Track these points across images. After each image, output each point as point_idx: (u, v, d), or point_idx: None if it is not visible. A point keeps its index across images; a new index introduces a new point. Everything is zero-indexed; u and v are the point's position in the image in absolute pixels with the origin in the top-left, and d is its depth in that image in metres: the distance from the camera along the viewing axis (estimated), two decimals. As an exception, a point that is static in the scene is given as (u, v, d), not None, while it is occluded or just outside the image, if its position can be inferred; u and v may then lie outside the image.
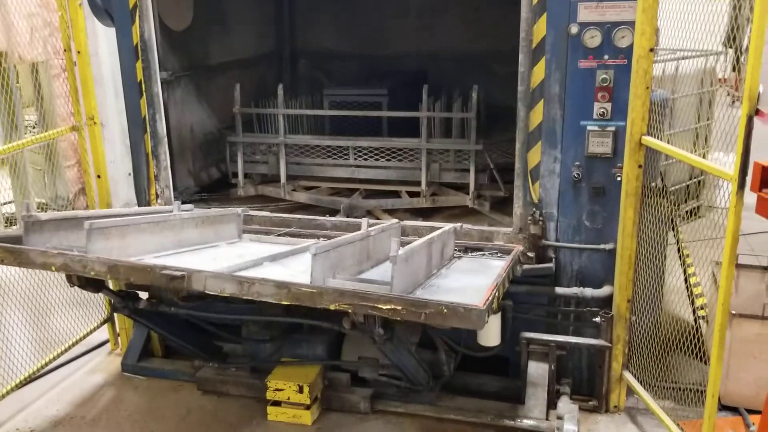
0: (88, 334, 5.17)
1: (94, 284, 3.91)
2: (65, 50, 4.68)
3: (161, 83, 4.75)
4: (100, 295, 5.12)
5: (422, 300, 3.02)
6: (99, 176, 4.85)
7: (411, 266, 3.37)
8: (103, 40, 8.28)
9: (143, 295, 4.31)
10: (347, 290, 3.09)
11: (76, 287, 3.88)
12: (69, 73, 4.73)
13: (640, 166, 3.81)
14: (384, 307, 2.95)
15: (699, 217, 7.38)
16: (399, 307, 2.94)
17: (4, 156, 5.02)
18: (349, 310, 3.08)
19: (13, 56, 7.23)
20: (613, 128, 3.92)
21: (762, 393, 3.64)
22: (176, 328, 4.53)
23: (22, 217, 3.66)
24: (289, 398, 4.25)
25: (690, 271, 5.34)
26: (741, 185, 2.97)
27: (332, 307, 3.02)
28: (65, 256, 3.37)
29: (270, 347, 4.54)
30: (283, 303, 3.12)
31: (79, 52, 4.60)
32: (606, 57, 3.83)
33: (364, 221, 4.07)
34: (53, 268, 3.37)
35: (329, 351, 4.50)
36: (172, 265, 3.33)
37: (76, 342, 5.07)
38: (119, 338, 5.26)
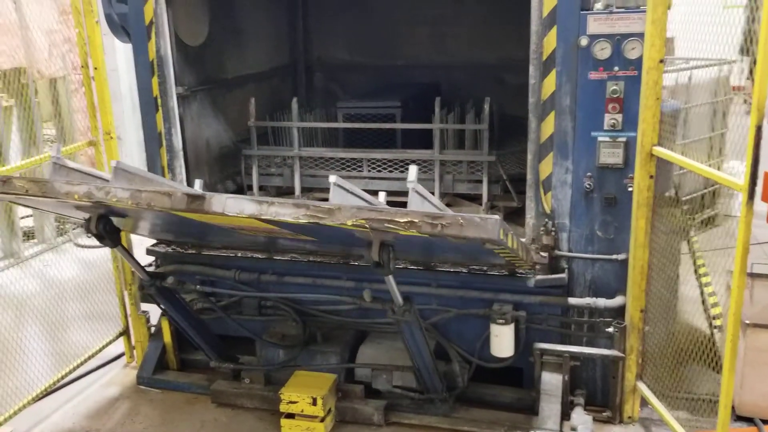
0: (103, 348, 5.22)
1: (111, 235, 3.80)
2: (82, 66, 4.76)
3: (177, 98, 4.83)
4: (116, 308, 5.24)
5: (438, 212, 2.93)
6: (116, 190, 4.91)
7: (426, 207, 3.39)
8: (121, 56, 8.45)
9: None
10: (364, 206, 3.00)
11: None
12: (86, 89, 4.82)
13: (651, 177, 3.82)
14: (401, 220, 2.84)
15: (715, 225, 7.33)
16: (416, 220, 2.83)
17: (23, 170, 5.09)
18: (367, 226, 2.90)
19: (33, 72, 7.36)
20: (624, 139, 3.92)
21: (778, 404, 3.63)
22: (194, 323, 4.58)
23: (51, 158, 3.74)
24: (303, 411, 4.27)
25: (705, 280, 5.32)
26: (751, 195, 2.97)
27: (349, 223, 2.89)
28: (89, 184, 3.32)
29: (284, 357, 4.59)
30: (301, 222, 2.98)
31: (96, 69, 4.68)
32: (616, 68, 3.84)
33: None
34: (76, 197, 3.28)
35: (343, 362, 4.53)
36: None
37: (92, 355, 5.13)
38: (135, 351, 5.32)
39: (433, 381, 4.21)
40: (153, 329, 5.19)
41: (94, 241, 7.83)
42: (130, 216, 3.78)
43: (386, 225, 2.87)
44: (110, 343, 5.27)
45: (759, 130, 2.89)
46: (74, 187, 3.33)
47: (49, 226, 8.07)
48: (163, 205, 3.14)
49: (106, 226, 3.70)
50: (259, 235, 3.84)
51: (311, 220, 2.92)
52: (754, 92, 2.87)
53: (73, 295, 5.46)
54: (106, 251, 5.43)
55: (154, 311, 5.17)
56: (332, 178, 3.26)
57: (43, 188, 3.35)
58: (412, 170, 3.29)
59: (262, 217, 3.01)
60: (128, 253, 4.18)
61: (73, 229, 8.38)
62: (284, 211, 2.97)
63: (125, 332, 5.33)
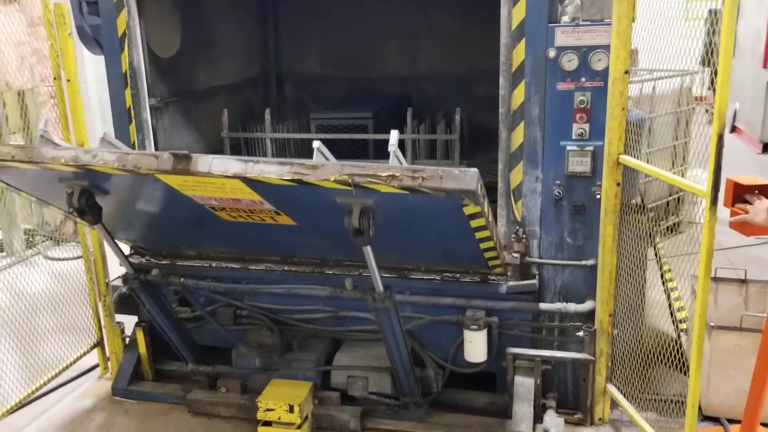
0: (77, 359, 5.19)
1: (93, 211, 3.71)
2: (55, 78, 4.75)
3: (150, 109, 4.83)
4: (89, 319, 5.21)
5: (419, 167, 2.94)
6: (89, 202, 4.90)
7: None
8: (90, 67, 8.41)
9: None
10: (348, 163, 3.01)
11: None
12: (59, 100, 4.80)
13: (618, 184, 3.93)
14: (383, 174, 2.86)
15: (679, 232, 7.52)
16: (397, 173, 2.86)
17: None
18: (350, 181, 2.91)
19: (1, 84, 7.30)
20: (591, 148, 4.04)
21: (742, 403, 3.75)
22: (174, 324, 4.57)
23: (39, 131, 3.73)
24: (279, 418, 4.29)
25: (671, 285, 5.46)
26: (714, 201, 3.09)
27: (332, 179, 2.91)
28: (75, 150, 3.31)
29: (260, 365, 4.61)
30: (285, 180, 3.00)
31: (69, 80, 4.68)
32: (583, 79, 3.96)
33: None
34: (62, 161, 3.26)
35: (319, 371, 4.56)
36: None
37: (66, 367, 5.09)
38: (109, 363, 5.29)
39: (409, 380, 4.26)
40: (127, 340, 5.17)
41: (64, 253, 7.76)
42: (112, 194, 3.72)
43: (368, 179, 2.89)
44: (84, 354, 5.24)
45: (720, 138, 3.02)
46: (60, 151, 3.32)
47: (18, 239, 7.99)
48: (149, 166, 3.14)
49: (89, 201, 3.64)
50: (240, 220, 3.77)
51: (295, 177, 2.94)
52: (716, 102, 3.00)
53: (45, 307, 5.42)
54: (78, 264, 5.41)
55: (128, 322, 5.16)
56: (315, 144, 3.29)
57: (30, 154, 3.34)
58: (393, 134, 3.29)
59: (247, 176, 3.02)
60: (110, 236, 4.10)
61: (43, 241, 8.30)
62: (269, 169, 3.00)
63: (99, 343, 5.30)
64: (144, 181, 3.46)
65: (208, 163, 3.09)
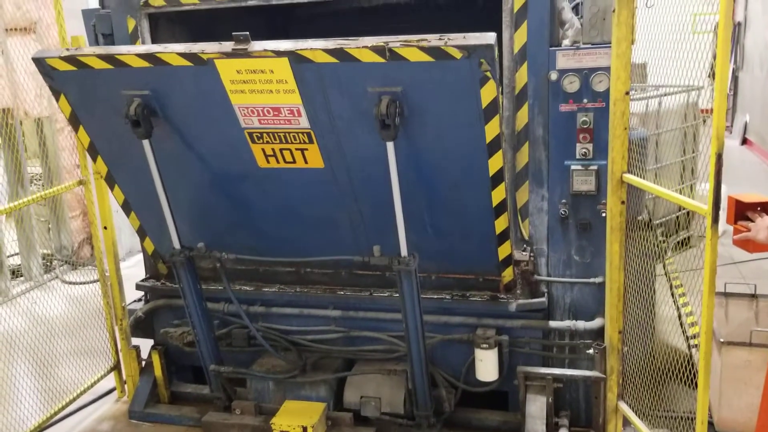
0: (95, 383, 5.27)
1: (146, 124, 3.89)
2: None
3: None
4: (106, 343, 5.30)
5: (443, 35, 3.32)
6: (105, 227, 5.02)
7: None
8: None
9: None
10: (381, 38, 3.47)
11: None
12: (75, 129, 4.92)
13: (623, 202, 3.97)
14: (415, 38, 3.29)
15: (690, 246, 7.53)
16: (427, 37, 3.27)
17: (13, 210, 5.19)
18: (386, 48, 3.32)
19: (19, 113, 7.47)
20: (595, 167, 4.09)
21: (755, 418, 3.76)
22: (203, 314, 4.56)
23: None
24: (293, 439, 4.34)
25: (682, 300, 5.48)
26: (715, 219, 3.13)
27: (370, 45, 3.33)
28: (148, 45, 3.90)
29: (274, 388, 4.67)
30: (329, 52, 3.41)
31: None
32: (585, 101, 4.02)
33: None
34: (136, 53, 3.68)
35: (332, 392, 4.61)
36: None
37: (84, 391, 5.17)
38: (126, 386, 5.37)
39: (425, 396, 4.29)
40: (144, 363, 5.25)
41: (81, 277, 7.88)
42: (166, 114, 3.94)
43: (401, 44, 3.29)
44: (101, 378, 5.32)
45: (719, 157, 3.06)
46: (133, 48, 3.86)
47: (36, 264, 8.12)
48: (212, 50, 3.54)
49: (144, 112, 3.84)
50: (272, 164, 4.02)
51: (338, 46, 3.37)
52: (713, 122, 3.04)
53: (62, 331, 5.53)
54: (95, 287, 5.51)
55: (144, 345, 5.25)
56: None
57: (108, 50, 3.77)
58: None
59: (297, 49, 3.42)
60: (154, 156, 4.04)
61: (60, 266, 8.44)
62: (316, 44, 3.40)
63: (116, 367, 5.38)
64: (198, 95, 3.79)
65: (263, 44, 3.48)
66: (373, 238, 4.12)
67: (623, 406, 4.34)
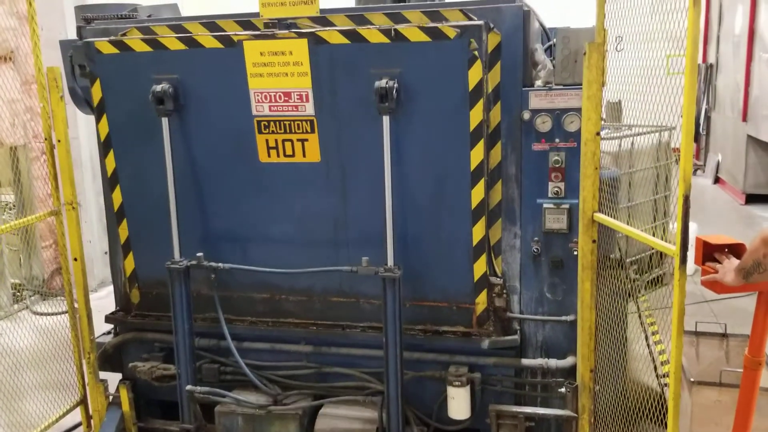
0: (60, 417, 5.14)
1: (175, 102, 4.30)
2: (46, 139, 4.84)
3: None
4: (74, 376, 5.20)
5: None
6: (75, 259, 4.95)
7: None
8: (82, 124, 8.55)
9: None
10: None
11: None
12: (49, 160, 4.89)
13: (594, 241, 4.01)
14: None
15: (664, 284, 7.57)
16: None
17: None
18: (390, 28, 3.90)
19: (-6, 141, 7.42)
20: (567, 206, 4.14)
21: (724, 459, 3.77)
22: (189, 327, 4.55)
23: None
24: (262, 477, 4.27)
25: (656, 338, 5.49)
26: (683, 260, 3.17)
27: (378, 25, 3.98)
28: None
29: (243, 423, 4.60)
30: (344, 34, 3.98)
31: (59, 141, 4.76)
32: (557, 140, 4.08)
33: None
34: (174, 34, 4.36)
35: (302, 429, 4.55)
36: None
37: (49, 425, 5.05)
38: (92, 421, 5.25)
39: (397, 375, 4.24)
40: (111, 398, 5.15)
41: (51, 308, 7.75)
42: (190, 100, 4.30)
43: (406, 25, 3.89)
44: (67, 412, 5.20)
45: (687, 199, 3.11)
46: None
47: (5, 294, 8.00)
48: (245, 33, 4.11)
49: (170, 90, 4.22)
50: (272, 159, 4.30)
51: (352, 27, 3.95)
52: (681, 164, 3.09)
53: (29, 363, 5.42)
54: (64, 319, 5.42)
55: (112, 380, 5.15)
56: None
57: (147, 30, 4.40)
58: None
59: (317, 32, 3.96)
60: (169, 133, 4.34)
61: (30, 296, 8.31)
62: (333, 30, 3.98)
63: (83, 401, 5.27)
64: (220, 80, 4.22)
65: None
66: (354, 252, 4.28)
67: (595, 446, 4.33)
